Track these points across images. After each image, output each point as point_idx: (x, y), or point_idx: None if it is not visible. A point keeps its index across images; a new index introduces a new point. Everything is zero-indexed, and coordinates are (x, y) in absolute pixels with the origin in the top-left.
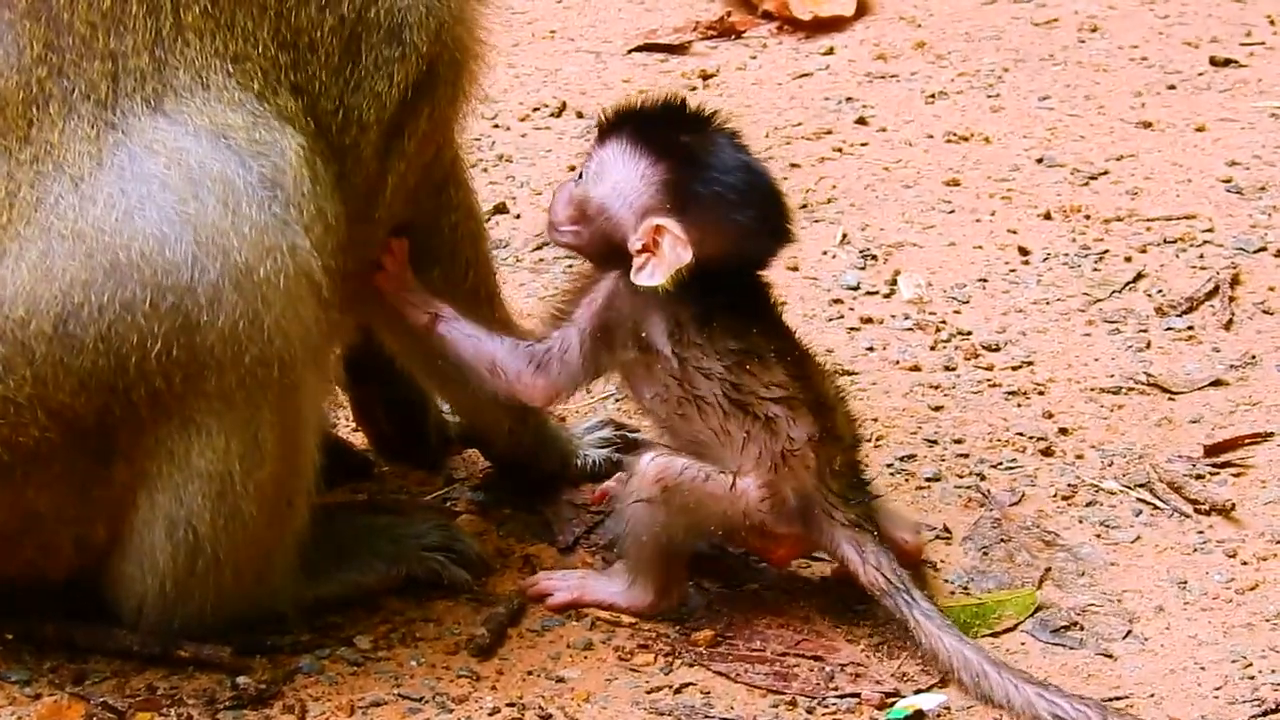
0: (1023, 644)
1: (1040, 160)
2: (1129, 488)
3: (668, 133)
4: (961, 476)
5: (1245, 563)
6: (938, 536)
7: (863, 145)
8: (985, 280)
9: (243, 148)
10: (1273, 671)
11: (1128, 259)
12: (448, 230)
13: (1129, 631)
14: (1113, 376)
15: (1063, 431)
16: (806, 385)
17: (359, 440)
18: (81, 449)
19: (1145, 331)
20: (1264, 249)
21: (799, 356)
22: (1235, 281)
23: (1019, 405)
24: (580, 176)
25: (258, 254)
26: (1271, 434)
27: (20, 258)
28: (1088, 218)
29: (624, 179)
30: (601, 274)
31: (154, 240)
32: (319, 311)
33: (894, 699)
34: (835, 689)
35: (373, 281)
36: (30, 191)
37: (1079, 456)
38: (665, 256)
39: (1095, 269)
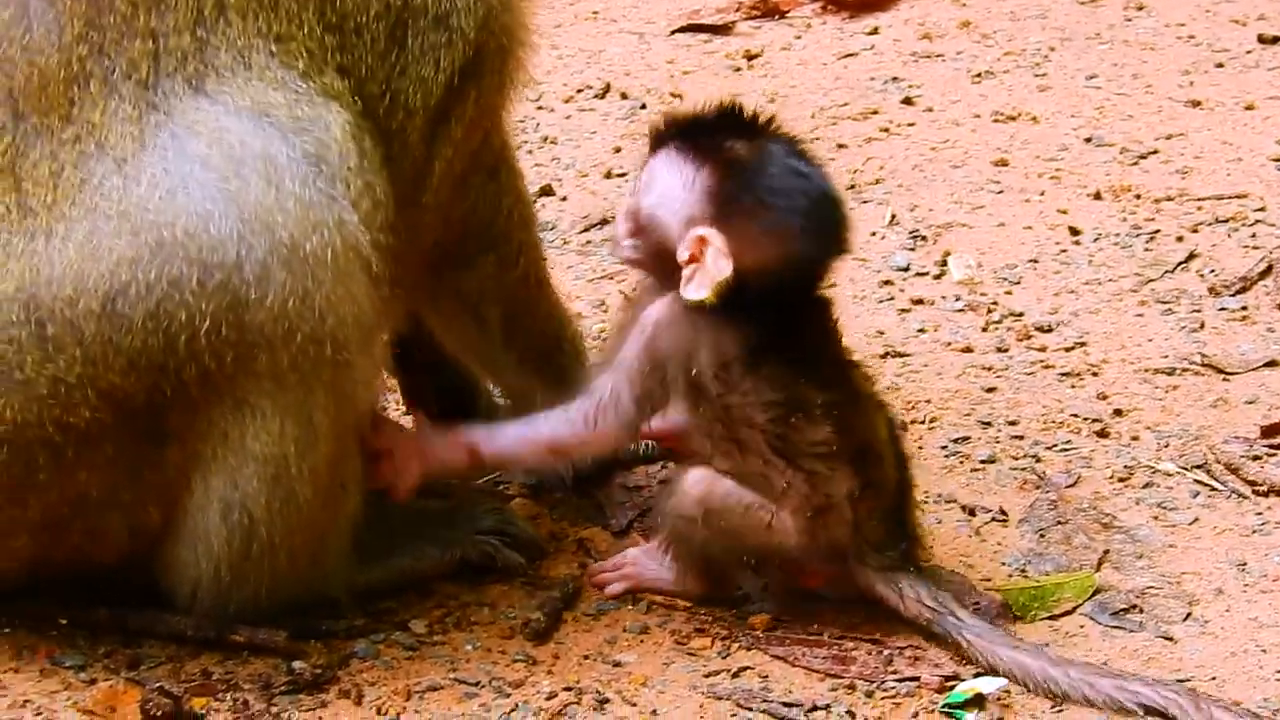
0: (1081, 627)
1: (1089, 140)
2: (1186, 469)
3: (716, 139)
4: (1016, 458)
5: None
6: (994, 519)
7: (909, 125)
8: (1036, 261)
9: (285, 124)
10: None
11: (1179, 239)
12: (499, 216)
13: (1189, 614)
14: (1166, 357)
15: (1118, 413)
16: (851, 437)
17: (409, 424)
18: (133, 430)
19: (1199, 312)
20: None
21: (849, 400)
22: None
23: (1073, 387)
24: (634, 188)
25: (303, 230)
26: None
27: (66, 237)
28: (1138, 197)
29: (671, 188)
30: (652, 297)
31: (198, 218)
32: (369, 288)
33: (953, 682)
34: (894, 672)
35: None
36: (74, 172)
37: (1134, 438)
38: (708, 268)
39: (1147, 249)
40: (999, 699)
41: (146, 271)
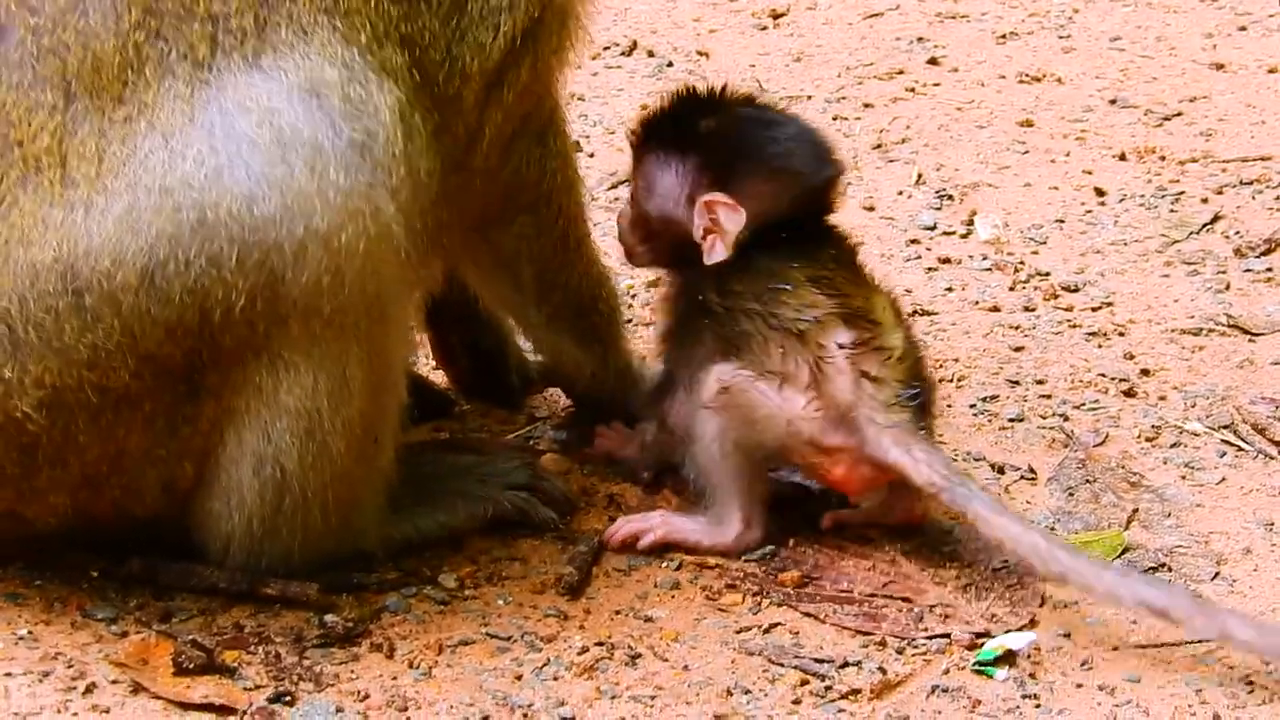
0: None
1: (1113, 101)
2: (1213, 429)
3: (686, 124)
4: (1045, 417)
5: None
6: (1022, 477)
7: (935, 85)
8: (1062, 221)
9: (335, 108)
10: None
11: (1204, 200)
12: (543, 178)
13: (1217, 573)
14: (1193, 318)
15: (1144, 373)
16: (842, 301)
17: (440, 379)
18: (169, 389)
19: (1224, 273)
20: None
21: (845, 279)
22: None
23: (1100, 346)
24: (632, 199)
25: (341, 219)
26: None
27: (106, 210)
28: (1163, 159)
29: (666, 182)
30: (676, 282)
31: (242, 199)
32: (399, 269)
33: (984, 639)
34: (925, 629)
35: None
36: (120, 147)
37: (1162, 398)
38: (724, 226)
39: (1172, 210)
40: (1029, 655)
41: (186, 248)
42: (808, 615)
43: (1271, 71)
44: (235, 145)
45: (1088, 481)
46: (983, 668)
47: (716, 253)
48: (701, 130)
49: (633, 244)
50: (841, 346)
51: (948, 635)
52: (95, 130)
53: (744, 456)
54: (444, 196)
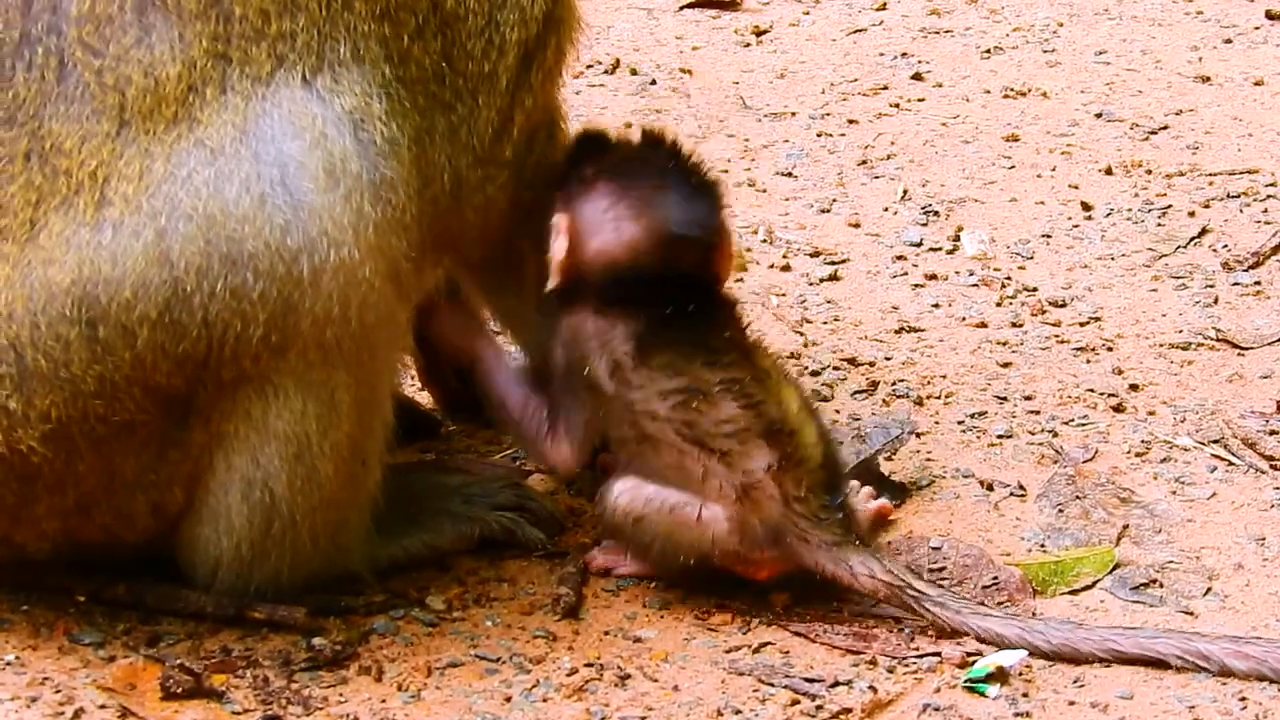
0: (1102, 602)
1: (1099, 115)
2: (1203, 444)
3: (591, 150)
4: (1033, 433)
5: None
6: (1012, 494)
7: (920, 101)
8: (1049, 236)
9: (375, 145)
10: None
11: (1191, 214)
12: (550, 174)
13: (1209, 589)
14: (1181, 332)
15: (1133, 388)
16: (759, 413)
17: (426, 400)
18: (164, 415)
19: (1212, 287)
20: None
21: (750, 377)
22: None
23: (1088, 361)
24: None
25: (364, 252)
26: None
27: (137, 234)
28: (1149, 173)
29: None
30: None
31: (279, 230)
32: (398, 303)
33: (975, 658)
34: (916, 649)
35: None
36: (164, 164)
37: (1151, 413)
38: (552, 251)
39: (1159, 224)
40: (1021, 673)
41: (214, 281)
42: (798, 634)
43: (1257, 84)
44: (278, 170)
45: (1078, 498)
46: (974, 685)
47: (550, 279)
48: (603, 155)
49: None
50: (767, 469)
51: (939, 654)
52: (142, 150)
53: (662, 562)
54: (472, 192)
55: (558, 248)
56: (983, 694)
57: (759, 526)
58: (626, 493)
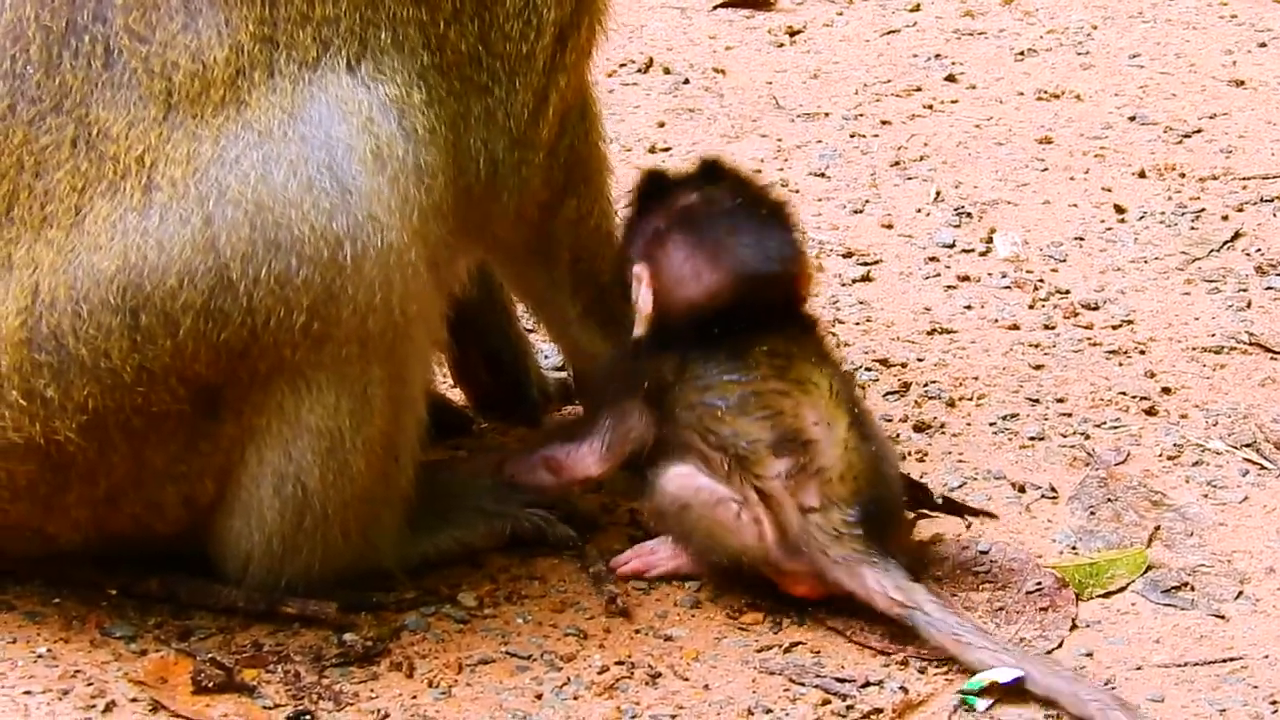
0: (1133, 604)
1: (1133, 118)
2: (1235, 447)
3: (668, 191)
4: (1065, 436)
5: None
6: (1044, 496)
7: (953, 103)
8: (1082, 239)
9: (417, 133)
10: None
11: (1225, 218)
12: (591, 152)
13: (1240, 593)
14: (1214, 336)
15: (1166, 391)
16: (775, 424)
17: (459, 397)
18: (195, 406)
19: (1245, 291)
20: None
21: (776, 393)
22: None
23: (1120, 364)
24: None
25: (409, 238)
26: None
27: (185, 221)
28: (1183, 176)
29: (629, 241)
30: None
31: (325, 215)
32: (436, 292)
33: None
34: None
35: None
36: (212, 147)
37: (1183, 416)
38: (638, 302)
39: (1192, 227)
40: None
41: (258, 267)
42: (833, 631)
43: None
44: (327, 154)
45: (1109, 500)
46: (965, 695)
47: (637, 327)
48: (670, 200)
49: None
50: (778, 477)
51: None
52: (189, 133)
53: (704, 555)
54: (509, 177)
55: (644, 301)
56: (971, 706)
57: (783, 532)
58: (679, 478)
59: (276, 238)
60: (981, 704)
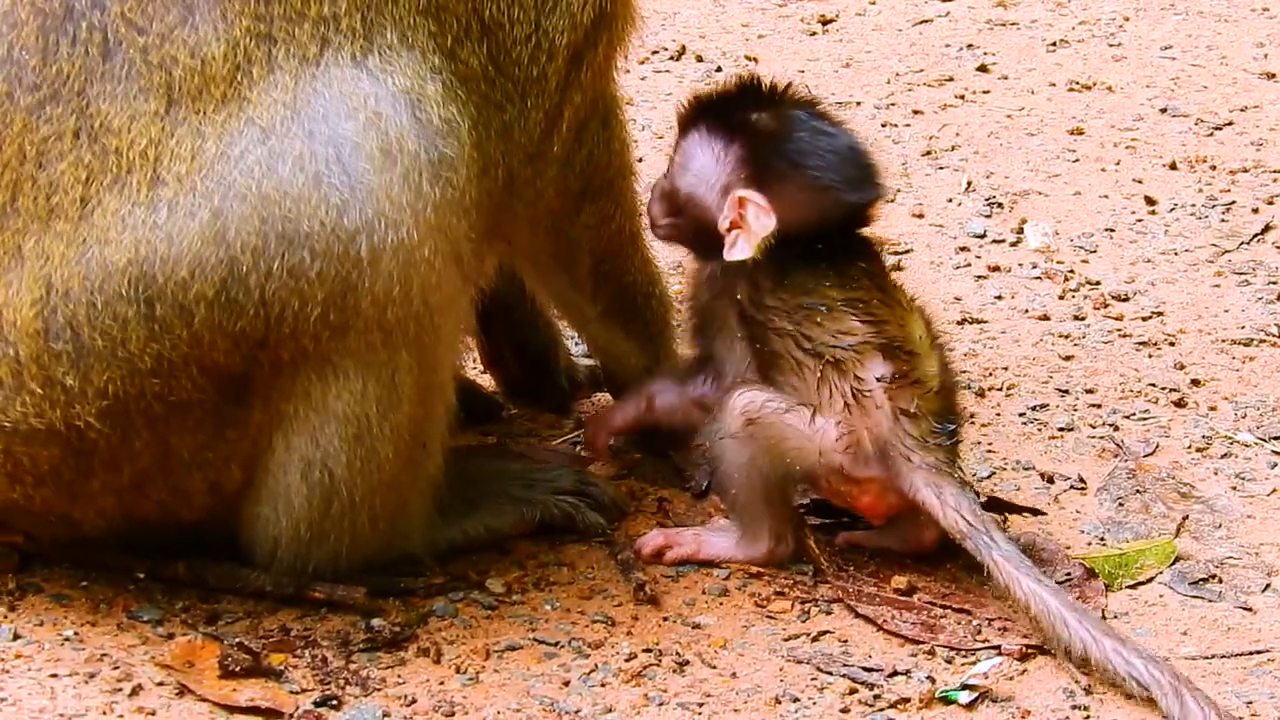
0: (1161, 596)
1: (1164, 110)
2: (1264, 440)
3: (740, 112)
4: (1094, 427)
5: None
6: (1072, 487)
7: (985, 93)
8: (1112, 230)
9: (433, 124)
10: None
11: (1255, 210)
12: (612, 160)
13: (1268, 585)
14: (1244, 328)
15: (1195, 383)
16: (880, 330)
17: (488, 383)
18: (221, 394)
19: (1275, 284)
20: None
21: (875, 299)
22: None
23: (1150, 356)
24: (668, 171)
25: (424, 232)
26: None
27: (192, 214)
28: (1213, 168)
29: (704, 164)
30: (703, 267)
31: (335, 210)
32: (461, 285)
33: (1034, 651)
34: (983, 640)
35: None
36: (216, 144)
37: (1212, 408)
38: (751, 226)
39: (1223, 220)
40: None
41: (270, 260)
42: (861, 620)
43: None
44: (334, 149)
45: (1138, 492)
46: (947, 694)
47: (738, 250)
48: (753, 122)
49: (657, 215)
50: (879, 380)
51: (998, 646)
52: (193, 129)
53: (771, 481)
54: (523, 187)
55: (763, 224)
56: (954, 700)
57: (866, 438)
58: (748, 395)
59: (286, 231)
60: (964, 697)
